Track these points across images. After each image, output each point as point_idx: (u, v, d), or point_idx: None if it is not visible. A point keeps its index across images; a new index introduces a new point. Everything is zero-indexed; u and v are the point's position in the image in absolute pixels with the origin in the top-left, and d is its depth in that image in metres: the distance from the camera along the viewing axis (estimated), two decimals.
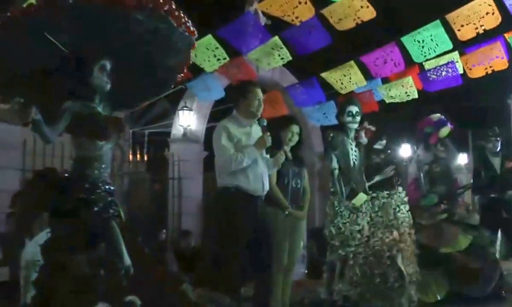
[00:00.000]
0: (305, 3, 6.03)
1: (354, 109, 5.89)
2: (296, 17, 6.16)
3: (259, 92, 4.79)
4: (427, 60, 7.29)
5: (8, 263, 6.22)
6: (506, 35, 7.02)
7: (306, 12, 6.11)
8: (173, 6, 3.37)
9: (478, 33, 6.58)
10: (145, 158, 11.46)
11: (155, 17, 3.33)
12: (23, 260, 4.74)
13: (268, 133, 4.64)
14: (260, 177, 4.67)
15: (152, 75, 3.84)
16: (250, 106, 4.69)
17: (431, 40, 6.79)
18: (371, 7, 6.19)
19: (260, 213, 4.69)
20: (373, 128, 6.12)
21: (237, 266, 4.51)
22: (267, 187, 4.77)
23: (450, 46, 6.90)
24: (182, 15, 3.44)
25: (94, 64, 3.52)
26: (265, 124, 4.68)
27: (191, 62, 4.01)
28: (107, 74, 3.54)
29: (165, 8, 3.31)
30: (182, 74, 4.00)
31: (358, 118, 5.90)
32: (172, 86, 4.18)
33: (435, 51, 6.93)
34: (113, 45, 3.51)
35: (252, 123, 4.76)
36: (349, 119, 5.89)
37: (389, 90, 7.92)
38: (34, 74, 3.53)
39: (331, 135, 5.90)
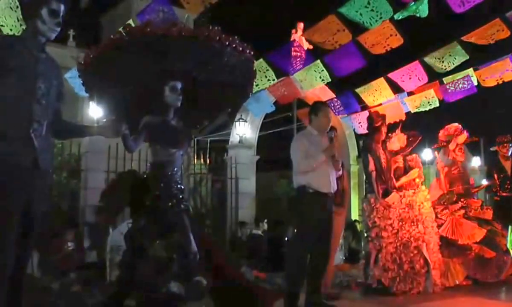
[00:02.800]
0: (343, 30, 5.92)
1: (379, 121, 5.81)
2: (336, 42, 6.06)
3: (328, 111, 4.83)
4: (447, 73, 7.13)
5: (95, 248, 6.33)
6: None
7: (344, 38, 6.01)
8: (224, 35, 3.31)
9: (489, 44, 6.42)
10: (208, 161, 11.52)
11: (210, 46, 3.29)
12: (109, 246, 4.80)
13: (336, 143, 4.64)
14: (328, 177, 4.61)
15: (221, 94, 3.79)
16: (320, 122, 4.70)
17: (450, 55, 6.70)
18: (399, 35, 6.06)
19: (327, 209, 4.64)
20: (400, 135, 6.02)
21: (303, 253, 4.44)
22: (334, 187, 4.71)
23: (467, 57, 6.76)
24: (236, 41, 3.37)
25: (166, 85, 3.51)
26: (332, 136, 4.66)
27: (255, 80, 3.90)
28: (178, 93, 3.53)
29: (217, 38, 3.25)
30: (251, 92, 3.91)
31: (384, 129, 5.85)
32: (244, 100, 4.09)
33: (453, 63, 6.82)
34: (182, 69, 3.49)
35: (321, 135, 4.72)
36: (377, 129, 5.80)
37: (414, 101, 7.77)
38: (125, 93, 3.58)
39: (364, 140, 5.85)
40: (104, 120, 3.13)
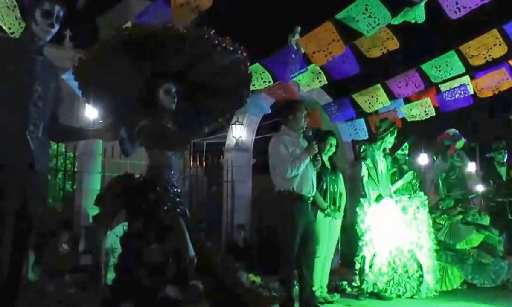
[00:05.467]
0: (338, 40, 5.88)
1: (384, 126, 5.98)
2: (330, 53, 6.02)
3: (304, 109, 4.76)
4: (443, 81, 7.13)
5: (91, 251, 6.29)
6: (510, 61, 6.84)
7: (338, 49, 5.96)
8: (215, 35, 3.24)
9: (486, 61, 6.37)
10: (204, 164, 11.50)
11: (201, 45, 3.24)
12: (104, 248, 4.77)
13: (315, 142, 4.59)
14: (311, 180, 4.59)
15: (217, 97, 3.76)
16: (298, 121, 4.63)
17: (447, 65, 6.65)
18: (395, 39, 6.04)
19: (308, 212, 4.61)
20: (396, 142, 6.08)
21: (290, 256, 4.42)
22: (315, 190, 4.68)
23: (463, 70, 6.74)
24: (227, 40, 3.28)
25: (160, 87, 3.49)
26: (310, 134, 4.64)
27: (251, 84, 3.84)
28: (172, 95, 3.49)
29: (207, 37, 3.17)
30: (247, 96, 3.83)
31: (385, 134, 5.92)
32: (241, 104, 4.03)
33: (450, 74, 6.77)
34: (173, 70, 3.46)
35: (299, 135, 4.68)
36: (380, 134, 5.92)
37: (410, 109, 7.77)
38: (122, 97, 3.56)
39: (364, 147, 5.87)
40: (101, 123, 3.11)
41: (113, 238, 4.44)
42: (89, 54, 3.28)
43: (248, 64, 3.53)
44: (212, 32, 3.19)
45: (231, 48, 3.29)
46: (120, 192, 3.34)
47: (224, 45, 3.25)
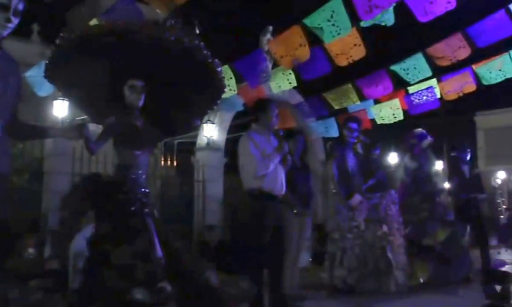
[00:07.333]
0: (304, 45, 5.88)
1: (353, 125, 5.92)
2: (296, 58, 6.03)
3: (275, 107, 4.71)
4: (410, 85, 7.29)
5: (58, 256, 6.10)
6: (473, 66, 7.15)
7: (304, 54, 5.97)
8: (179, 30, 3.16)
9: (452, 63, 6.60)
10: (175, 164, 11.39)
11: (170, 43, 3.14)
12: (72, 252, 4.64)
13: (285, 141, 4.56)
14: (280, 179, 4.55)
15: (187, 103, 3.68)
16: (268, 120, 4.59)
17: (415, 68, 6.79)
18: (362, 46, 6.08)
19: (278, 211, 4.59)
20: (367, 141, 6.11)
21: (259, 256, 4.40)
22: (284, 188, 4.64)
23: (430, 73, 6.94)
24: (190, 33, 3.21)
25: (125, 84, 3.40)
26: (281, 133, 4.62)
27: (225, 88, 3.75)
28: (138, 92, 3.40)
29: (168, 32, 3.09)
30: (219, 99, 3.74)
31: (355, 133, 5.91)
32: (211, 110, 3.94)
33: (417, 77, 6.95)
34: (142, 67, 3.37)
35: (269, 134, 4.64)
36: (348, 133, 5.90)
37: (380, 110, 7.90)
38: (88, 94, 3.46)
39: (329, 143, 5.93)
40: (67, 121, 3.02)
41: (81, 241, 4.31)
42: (54, 50, 3.18)
43: (214, 60, 3.43)
44: (172, 24, 3.12)
45: (195, 46, 3.21)
46: (86, 193, 3.25)
47: (183, 39, 3.16)
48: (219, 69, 3.44)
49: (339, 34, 5.55)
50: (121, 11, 4.35)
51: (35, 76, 6.10)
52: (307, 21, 5.64)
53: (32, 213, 9.06)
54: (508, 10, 5.69)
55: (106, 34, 3.06)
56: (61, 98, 8.54)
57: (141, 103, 3.43)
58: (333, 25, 5.46)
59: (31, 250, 6.07)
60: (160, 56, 3.24)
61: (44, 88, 6.39)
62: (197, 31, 3.60)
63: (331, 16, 5.44)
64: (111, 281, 3.03)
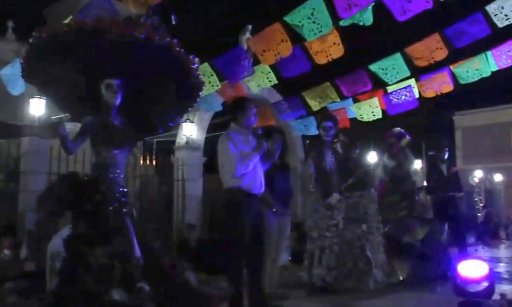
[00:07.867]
0: (286, 41, 5.90)
1: (328, 124, 5.89)
2: (278, 53, 6.04)
3: (253, 106, 4.68)
4: (388, 85, 7.37)
5: (34, 258, 6.00)
6: (451, 66, 7.25)
7: (286, 50, 5.99)
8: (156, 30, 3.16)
9: (430, 64, 6.68)
10: (154, 163, 11.30)
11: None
12: (49, 252, 4.57)
13: (264, 140, 4.55)
14: (259, 179, 4.55)
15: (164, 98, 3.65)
16: (247, 119, 4.58)
17: (393, 68, 6.84)
18: (341, 45, 6.12)
19: (257, 210, 4.57)
20: (346, 140, 6.14)
21: (238, 255, 4.37)
22: (263, 187, 4.64)
23: (408, 73, 7.01)
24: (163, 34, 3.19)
25: (101, 83, 3.38)
26: (260, 132, 4.57)
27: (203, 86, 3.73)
28: (114, 90, 3.38)
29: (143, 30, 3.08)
30: (197, 98, 3.74)
31: (331, 132, 5.88)
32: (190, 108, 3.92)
33: (396, 77, 7.02)
34: (117, 66, 3.35)
35: (248, 133, 4.63)
36: (324, 132, 5.89)
37: (359, 108, 7.95)
38: (65, 92, 3.42)
39: (307, 142, 5.94)
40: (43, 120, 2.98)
41: (58, 241, 4.25)
42: (28, 49, 3.14)
43: (195, 61, 3.43)
44: (144, 25, 3.10)
45: (167, 42, 3.19)
46: (63, 192, 3.20)
47: (159, 37, 3.14)
48: (194, 66, 3.42)
49: (320, 31, 5.58)
50: (95, 9, 4.29)
51: (9, 75, 6.01)
52: (287, 18, 5.65)
53: (8, 213, 8.91)
54: (484, 11, 5.79)
55: (75, 32, 3.03)
56: (38, 96, 8.39)
57: (118, 101, 3.40)
58: (314, 22, 5.49)
59: (7, 251, 5.95)
60: (133, 54, 3.22)
61: (18, 87, 6.30)
62: (173, 23, 3.56)
63: (312, 14, 5.46)
64: (88, 282, 3.00)
